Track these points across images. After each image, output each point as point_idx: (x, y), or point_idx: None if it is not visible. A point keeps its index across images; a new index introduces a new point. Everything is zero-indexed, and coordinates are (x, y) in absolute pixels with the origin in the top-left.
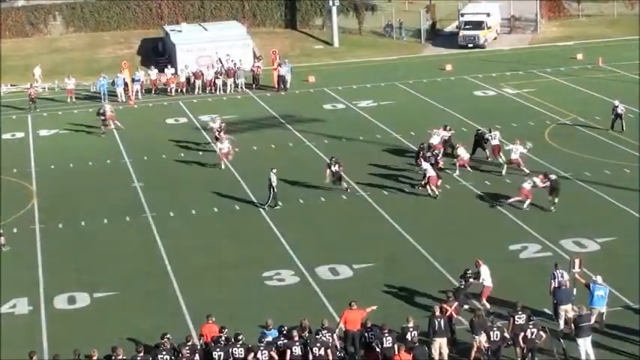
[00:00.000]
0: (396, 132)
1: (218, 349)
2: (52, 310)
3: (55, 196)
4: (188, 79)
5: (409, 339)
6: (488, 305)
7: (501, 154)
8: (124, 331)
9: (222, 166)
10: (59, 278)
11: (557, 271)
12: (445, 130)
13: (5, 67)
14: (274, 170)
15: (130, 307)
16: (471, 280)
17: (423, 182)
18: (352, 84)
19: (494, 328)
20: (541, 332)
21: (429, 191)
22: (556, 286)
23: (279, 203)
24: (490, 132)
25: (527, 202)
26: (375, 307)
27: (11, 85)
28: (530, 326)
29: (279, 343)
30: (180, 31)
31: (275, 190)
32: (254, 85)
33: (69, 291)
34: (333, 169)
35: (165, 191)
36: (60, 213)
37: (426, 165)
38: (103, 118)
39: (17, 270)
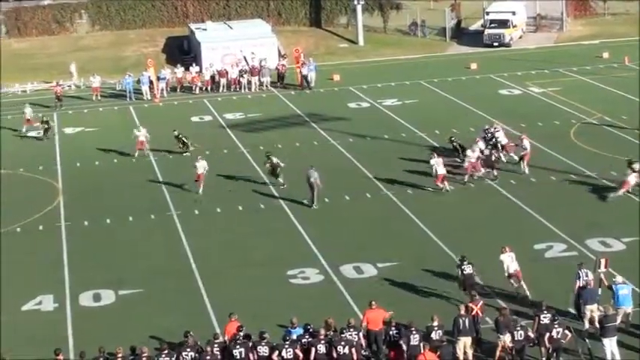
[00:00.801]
0: (421, 130)
1: (238, 347)
2: (77, 308)
3: (81, 194)
4: (213, 78)
5: (434, 338)
6: (523, 286)
7: (512, 153)
8: (149, 329)
9: (200, 191)
10: (84, 275)
11: (582, 270)
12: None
13: (31, 64)
14: (314, 168)
15: (155, 304)
16: (464, 266)
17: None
18: (377, 82)
19: (519, 328)
20: (566, 332)
21: (441, 187)
22: (581, 285)
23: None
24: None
25: (621, 191)
26: (392, 313)
27: (39, 83)
28: (556, 326)
29: (303, 341)
30: (206, 30)
31: (316, 187)
32: (279, 84)
33: (94, 288)
34: (274, 160)
35: (190, 189)
36: (85, 210)
37: (433, 161)
38: (46, 127)
39: (43, 267)
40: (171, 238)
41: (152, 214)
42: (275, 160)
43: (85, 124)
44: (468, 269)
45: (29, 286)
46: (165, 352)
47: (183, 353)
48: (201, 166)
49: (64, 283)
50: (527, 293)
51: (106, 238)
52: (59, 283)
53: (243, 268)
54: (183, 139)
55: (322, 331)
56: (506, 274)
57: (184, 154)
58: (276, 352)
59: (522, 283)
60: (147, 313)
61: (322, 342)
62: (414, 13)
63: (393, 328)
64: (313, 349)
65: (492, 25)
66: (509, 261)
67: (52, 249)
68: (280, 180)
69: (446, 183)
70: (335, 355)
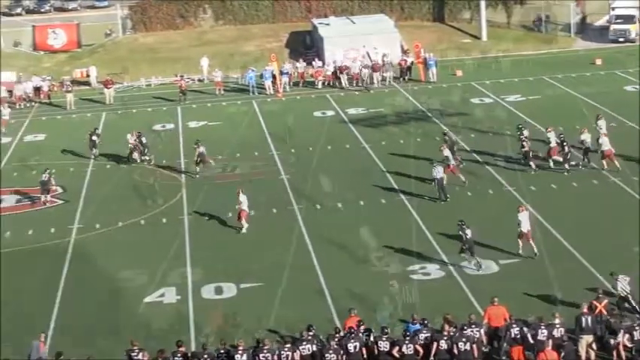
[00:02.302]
0: (544, 126)
1: (353, 341)
2: (199, 300)
3: (203, 188)
4: (335, 72)
5: (556, 335)
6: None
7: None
8: (269, 322)
9: (244, 229)
10: (206, 268)
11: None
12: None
13: (155, 59)
14: (438, 163)
15: (276, 298)
16: (467, 230)
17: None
18: (500, 78)
19: (637, 327)
20: None
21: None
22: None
23: (446, 197)
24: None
25: None
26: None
27: (165, 77)
28: None
29: (423, 336)
30: (328, 25)
31: (439, 183)
32: (401, 79)
33: (216, 281)
34: (201, 149)
35: (312, 184)
36: (207, 204)
37: (447, 152)
38: (95, 138)
39: (166, 259)
40: (293, 232)
41: (274, 208)
42: (202, 149)
43: (208, 118)
44: (470, 233)
45: (152, 278)
46: (287, 345)
47: (301, 347)
48: (244, 200)
49: (186, 275)
50: (536, 251)
51: (228, 232)
52: (181, 275)
53: (364, 262)
54: (143, 141)
55: (446, 327)
56: (518, 232)
57: (133, 162)
58: (397, 348)
59: (532, 242)
60: (268, 307)
61: (445, 338)
62: (539, 9)
63: (514, 326)
64: (435, 344)
65: (618, 20)
66: (525, 220)
67: (174, 242)
68: (197, 169)
69: (460, 175)
70: (456, 351)
